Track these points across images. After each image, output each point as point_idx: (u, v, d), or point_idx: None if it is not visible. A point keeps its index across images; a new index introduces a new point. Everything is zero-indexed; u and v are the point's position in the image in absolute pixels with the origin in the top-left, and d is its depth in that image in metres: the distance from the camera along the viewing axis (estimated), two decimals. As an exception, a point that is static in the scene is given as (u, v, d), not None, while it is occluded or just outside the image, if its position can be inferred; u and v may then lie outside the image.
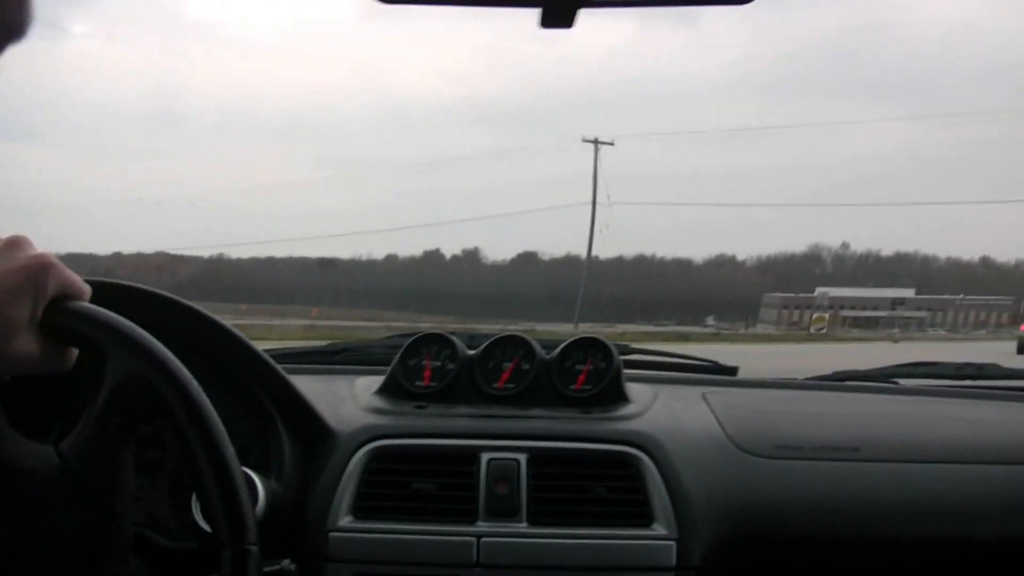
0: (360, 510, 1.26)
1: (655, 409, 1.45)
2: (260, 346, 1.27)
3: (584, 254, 38.61)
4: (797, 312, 45.27)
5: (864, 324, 41.75)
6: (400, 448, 1.32)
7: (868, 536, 1.31)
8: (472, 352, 1.51)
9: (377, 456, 1.30)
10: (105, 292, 0.87)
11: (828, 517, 1.32)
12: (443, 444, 1.33)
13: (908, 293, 51.17)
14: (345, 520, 1.25)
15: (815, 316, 40.28)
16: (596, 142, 37.02)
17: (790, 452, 1.37)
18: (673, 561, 1.23)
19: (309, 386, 1.31)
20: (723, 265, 63.10)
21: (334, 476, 1.28)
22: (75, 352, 0.84)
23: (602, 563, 1.24)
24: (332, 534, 1.24)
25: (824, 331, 35.02)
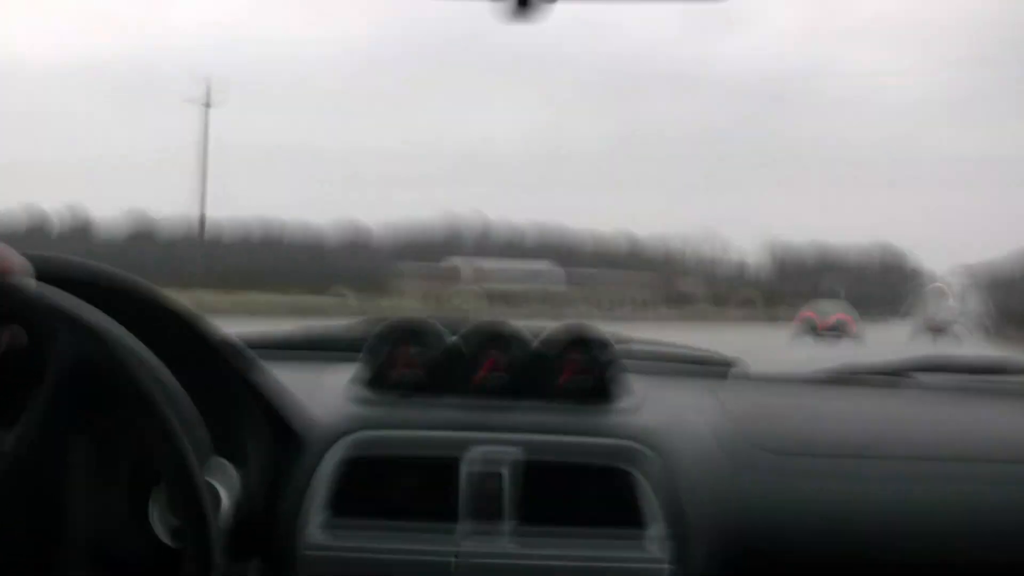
0: (336, 507, 1.20)
1: (653, 402, 1.40)
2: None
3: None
4: (438, 283, 41.92)
5: (511, 300, 38.71)
6: (382, 440, 1.26)
7: (881, 537, 1.26)
8: (451, 339, 1.42)
9: (357, 448, 1.24)
10: (46, 268, 0.83)
11: (837, 517, 1.26)
12: (428, 436, 1.27)
13: (544, 265, 50.60)
14: (319, 517, 1.19)
15: (454, 291, 36.54)
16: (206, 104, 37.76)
17: (797, 449, 1.33)
18: (668, 561, 1.19)
19: (284, 375, 1.26)
20: (355, 235, 61.60)
21: (310, 470, 1.21)
22: (9, 334, 0.80)
23: (593, 565, 1.19)
24: (303, 533, 1.18)
25: (469, 311, 30.62)
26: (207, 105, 38.49)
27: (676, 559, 1.18)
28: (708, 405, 1.43)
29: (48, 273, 0.78)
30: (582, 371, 1.39)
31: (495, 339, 1.41)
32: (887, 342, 24.32)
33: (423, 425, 1.29)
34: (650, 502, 1.21)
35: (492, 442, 1.24)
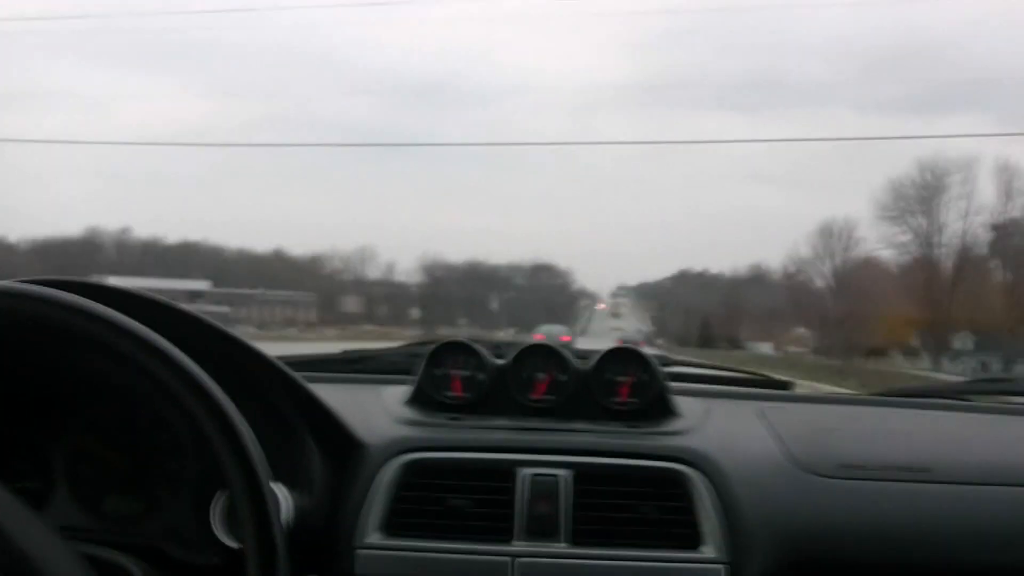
0: (390, 526, 1.21)
1: (708, 425, 1.39)
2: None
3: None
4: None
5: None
6: (435, 462, 1.26)
7: (937, 562, 1.24)
8: (500, 362, 1.45)
9: (410, 470, 1.24)
10: (101, 296, 0.84)
11: (895, 541, 1.24)
12: (480, 458, 1.27)
13: (205, 286, 48.07)
14: (374, 536, 1.20)
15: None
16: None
17: (854, 472, 1.30)
18: (724, 564, 1.19)
19: (332, 395, 1.24)
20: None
21: (363, 490, 1.22)
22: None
23: (649, 566, 1.18)
24: (360, 551, 1.19)
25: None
26: None
27: (731, 564, 1.18)
28: (760, 426, 1.41)
29: (113, 301, 0.79)
30: (633, 393, 1.40)
31: (545, 361, 1.41)
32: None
33: (475, 447, 1.28)
34: (704, 523, 1.20)
35: (544, 464, 1.23)
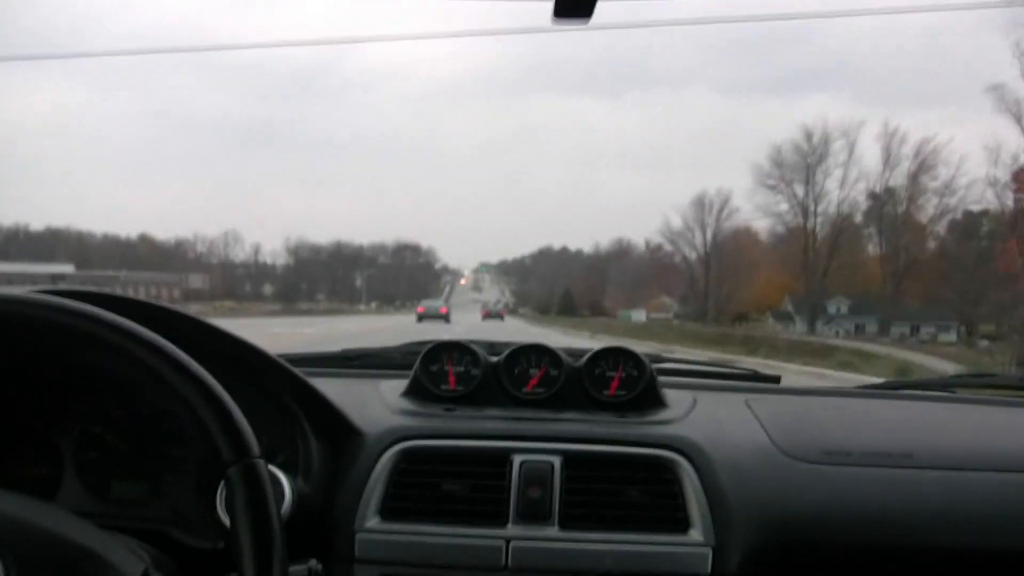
0: (388, 511, 1.24)
1: (695, 414, 1.43)
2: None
3: None
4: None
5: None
6: (430, 449, 1.29)
7: (920, 546, 1.25)
8: (494, 359, 1.50)
9: (406, 457, 1.28)
10: (108, 305, 0.86)
11: (877, 526, 1.26)
12: (474, 446, 1.30)
13: (68, 269, 50.33)
14: (373, 521, 1.23)
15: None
16: None
17: (839, 458, 1.31)
18: (708, 568, 1.20)
19: (330, 388, 1.29)
20: None
21: (362, 477, 1.26)
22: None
23: (634, 569, 1.20)
24: (359, 535, 1.21)
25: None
26: None
27: (716, 547, 1.20)
28: (746, 416, 1.44)
29: (116, 306, 0.84)
30: (623, 386, 1.45)
31: (538, 357, 1.48)
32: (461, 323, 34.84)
33: (470, 435, 1.31)
34: (691, 508, 1.23)
35: (536, 451, 1.26)
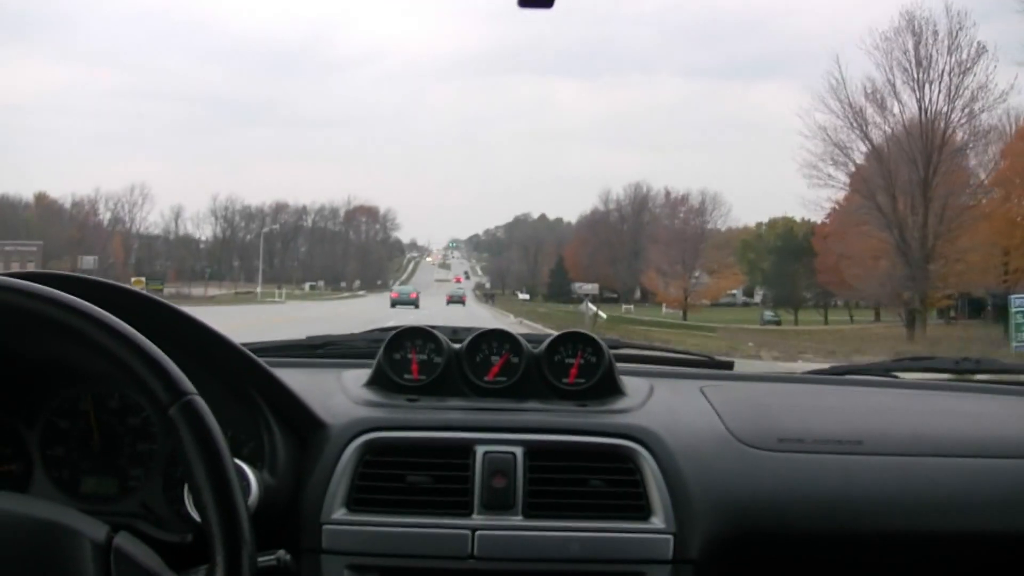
0: (354, 502, 1.26)
1: (652, 402, 1.46)
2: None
3: None
4: None
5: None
6: (394, 441, 1.31)
7: (873, 531, 1.31)
8: (457, 346, 1.52)
9: (371, 449, 1.30)
10: (71, 287, 0.88)
11: (830, 510, 1.31)
12: (438, 437, 1.32)
13: None
14: (339, 512, 1.25)
15: None
16: None
17: (792, 445, 1.37)
18: (670, 554, 1.24)
19: (294, 379, 1.31)
20: None
21: (327, 469, 1.27)
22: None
23: (598, 556, 1.24)
24: (326, 526, 1.24)
25: None
26: None
27: (678, 533, 1.23)
28: (702, 404, 1.47)
29: (72, 291, 0.82)
30: (581, 373, 1.46)
31: (499, 344, 1.48)
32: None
33: (433, 426, 1.33)
34: (652, 496, 1.26)
35: (499, 442, 1.28)
